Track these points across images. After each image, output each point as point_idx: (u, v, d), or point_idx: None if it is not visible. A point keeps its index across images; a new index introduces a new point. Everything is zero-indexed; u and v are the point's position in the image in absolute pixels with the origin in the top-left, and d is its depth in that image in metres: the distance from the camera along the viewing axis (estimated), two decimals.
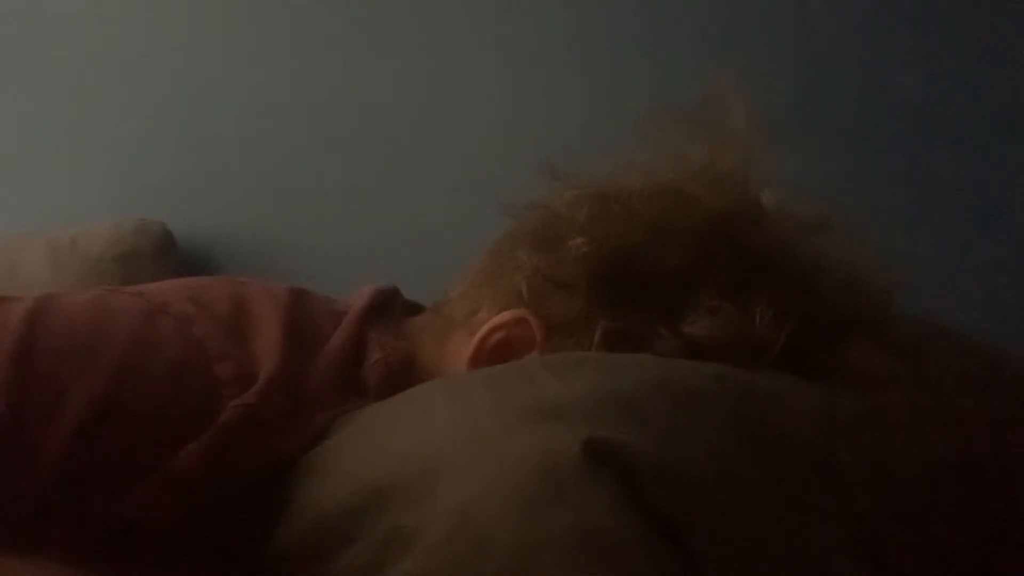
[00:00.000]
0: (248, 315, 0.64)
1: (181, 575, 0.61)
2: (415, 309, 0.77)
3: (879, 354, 0.64)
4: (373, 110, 1.37)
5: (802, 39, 1.27)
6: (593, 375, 0.57)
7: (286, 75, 1.38)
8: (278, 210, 1.38)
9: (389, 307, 0.74)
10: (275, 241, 1.38)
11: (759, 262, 0.66)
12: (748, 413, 0.57)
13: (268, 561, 0.58)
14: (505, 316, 0.68)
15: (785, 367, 0.63)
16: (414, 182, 1.35)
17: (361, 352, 0.67)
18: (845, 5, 1.27)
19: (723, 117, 0.70)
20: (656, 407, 0.55)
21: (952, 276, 1.13)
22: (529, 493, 0.49)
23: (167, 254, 1.31)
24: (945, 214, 1.23)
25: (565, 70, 1.32)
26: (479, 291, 0.71)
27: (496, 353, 0.68)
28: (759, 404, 0.58)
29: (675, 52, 1.29)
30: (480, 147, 1.33)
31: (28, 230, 1.34)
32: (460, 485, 0.51)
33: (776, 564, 0.52)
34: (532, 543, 0.48)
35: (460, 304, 0.72)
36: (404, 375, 0.67)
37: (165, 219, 1.34)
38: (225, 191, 1.40)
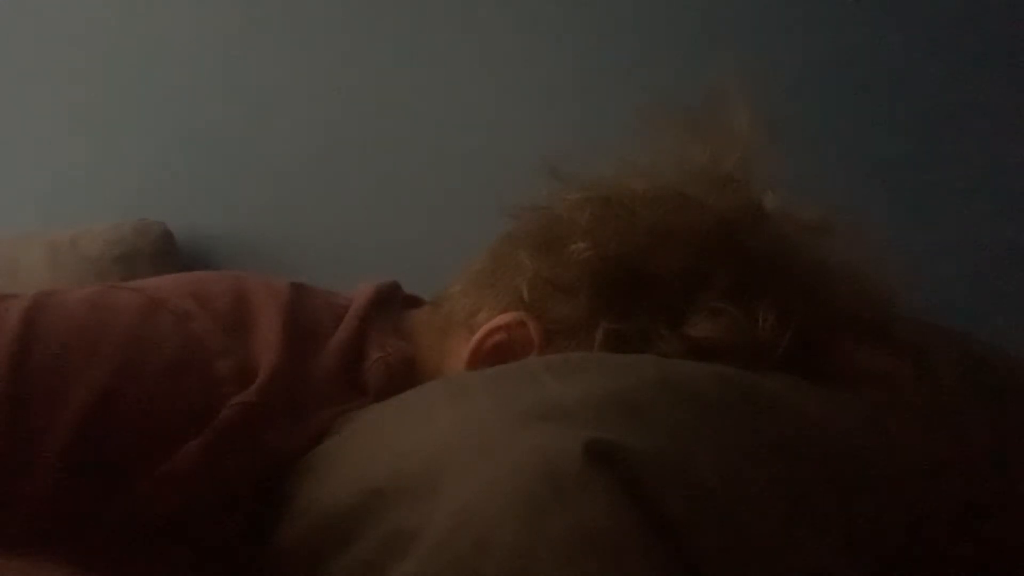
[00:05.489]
0: (249, 311, 0.64)
1: (181, 574, 0.61)
2: (415, 303, 0.77)
3: (882, 356, 0.64)
4: (373, 109, 1.36)
5: (805, 39, 1.27)
6: (595, 376, 0.57)
7: (286, 75, 1.38)
8: (278, 210, 1.38)
9: (390, 303, 0.73)
10: (275, 241, 1.37)
11: (762, 264, 0.66)
12: (750, 415, 0.57)
13: (268, 560, 0.58)
14: (504, 318, 0.68)
15: (788, 369, 0.63)
16: (415, 182, 1.35)
17: (361, 351, 0.67)
18: (849, 5, 1.27)
19: (725, 119, 0.70)
20: (658, 408, 0.55)
21: (953, 276, 1.13)
22: (530, 494, 0.49)
23: (167, 254, 1.31)
24: (946, 215, 1.23)
25: (567, 70, 1.32)
26: (480, 291, 0.71)
27: (493, 354, 0.67)
28: (761, 406, 0.58)
29: (677, 53, 1.29)
30: (481, 147, 1.33)
31: (28, 230, 1.34)
32: (461, 486, 0.51)
33: (777, 566, 0.51)
34: (533, 544, 0.48)
35: (461, 303, 0.72)
36: (404, 374, 0.67)
37: (165, 219, 1.34)
38: (225, 191, 1.39)
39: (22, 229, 1.34)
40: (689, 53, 1.28)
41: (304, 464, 0.60)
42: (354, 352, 0.67)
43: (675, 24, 1.30)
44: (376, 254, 1.32)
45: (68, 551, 0.58)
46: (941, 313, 0.73)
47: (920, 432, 0.60)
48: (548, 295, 0.68)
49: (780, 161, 0.70)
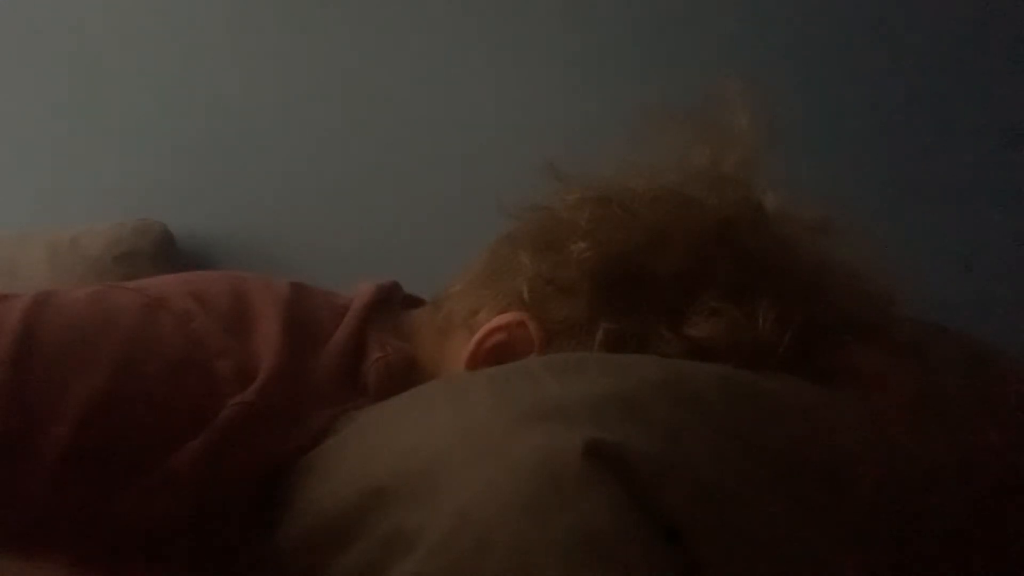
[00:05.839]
0: (249, 311, 0.64)
1: (181, 575, 0.61)
2: (415, 303, 0.77)
3: (882, 356, 0.64)
4: (373, 110, 1.37)
5: (805, 40, 1.27)
6: (595, 375, 0.57)
7: (286, 75, 1.38)
8: (277, 210, 1.38)
9: (390, 303, 0.73)
10: (275, 241, 1.37)
11: (761, 265, 0.66)
12: (750, 414, 0.57)
13: (268, 561, 0.58)
14: (504, 318, 0.68)
15: (788, 369, 0.63)
16: (415, 182, 1.35)
17: (362, 350, 0.67)
18: (848, 6, 1.27)
19: (725, 118, 0.70)
20: (658, 408, 0.55)
21: (952, 276, 1.13)
22: (530, 494, 0.49)
23: (167, 254, 1.31)
24: (946, 215, 1.23)
25: (567, 70, 1.32)
26: (480, 291, 0.71)
27: (494, 355, 0.67)
28: (761, 405, 0.58)
29: (678, 53, 1.29)
30: (481, 147, 1.33)
31: (28, 230, 1.34)
32: (461, 485, 0.51)
33: (777, 566, 0.51)
34: (533, 544, 0.48)
35: (460, 303, 0.72)
36: (404, 374, 0.67)
37: (165, 219, 1.34)
38: (225, 191, 1.40)
39: (22, 229, 1.34)
40: (689, 53, 1.28)
41: (304, 464, 0.60)
42: (354, 352, 0.67)
43: (675, 24, 1.30)
44: (376, 254, 1.32)
45: (68, 551, 0.58)
46: (941, 313, 0.73)
47: (920, 432, 0.60)
48: (548, 295, 0.68)
49: (780, 161, 0.70)
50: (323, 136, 1.38)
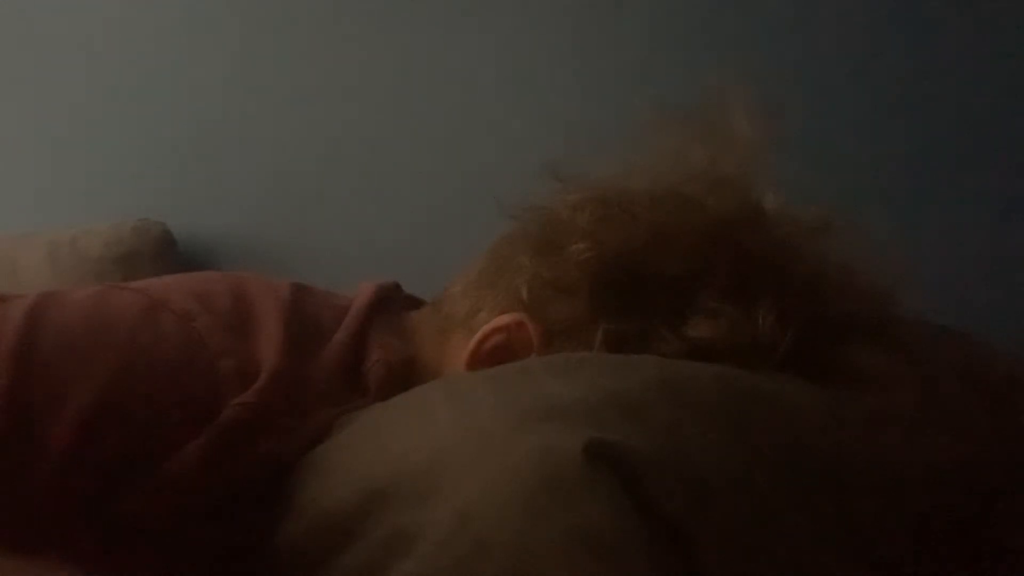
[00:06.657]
0: (250, 311, 0.65)
1: (181, 575, 0.61)
2: (415, 304, 0.77)
3: (881, 356, 0.64)
4: (373, 110, 1.36)
5: (805, 40, 1.27)
6: (595, 376, 0.57)
7: (286, 75, 1.38)
8: (278, 210, 1.38)
9: (390, 304, 0.74)
10: (275, 241, 1.37)
11: (761, 265, 0.66)
12: (750, 414, 0.57)
13: (269, 561, 0.58)
14: (504, 319, 0.68)
15: (788, 369, 0.63)
16: (415, 182, 1.35)
17: (362, 351, 0.67)
18: (849, 7, 1.27)
19: (725, 119, 0.70)
20: (658, 409, 0.55)
21: (953, 276, 1.13)
22: (530, 494, 0.50)
23: (167, 254, 1.31)
24: (946, 215, 1.23)
25: (568, 71, 1.32)
26: (480, 292, 0.71)
27: (493, 355, 0.68)
28: (761, 405, 0.58)
29: (678, 53, 1.29)
30: (481, 147, 1.33)
31: (28, 230, 1.34)
32: (461, 486, 0.51)
33: (777, 566, 0.52)
34: (533, 544, 0.48)
35: (460, 303, 0.72)
36: (405, 375, 0.67)
37: (165, 219, 1.34)
38: (225, 191, 1.39)
39: (22, 229, 1.34)
40: (690, 54, 1.28)
41: (304, 464, 0.60)
42: (354, 353, 0.67)
43: (676, 25, 1.30)
44: (376, 254, 1.32)
45: (68, 551, 0.58)
46: (941, 313, 0.73)
47: (920, 433, 0.61)
48: (548, 296, 0.68)
49: (780, 161, 0.70)
50: (324, 136, 1.38)
